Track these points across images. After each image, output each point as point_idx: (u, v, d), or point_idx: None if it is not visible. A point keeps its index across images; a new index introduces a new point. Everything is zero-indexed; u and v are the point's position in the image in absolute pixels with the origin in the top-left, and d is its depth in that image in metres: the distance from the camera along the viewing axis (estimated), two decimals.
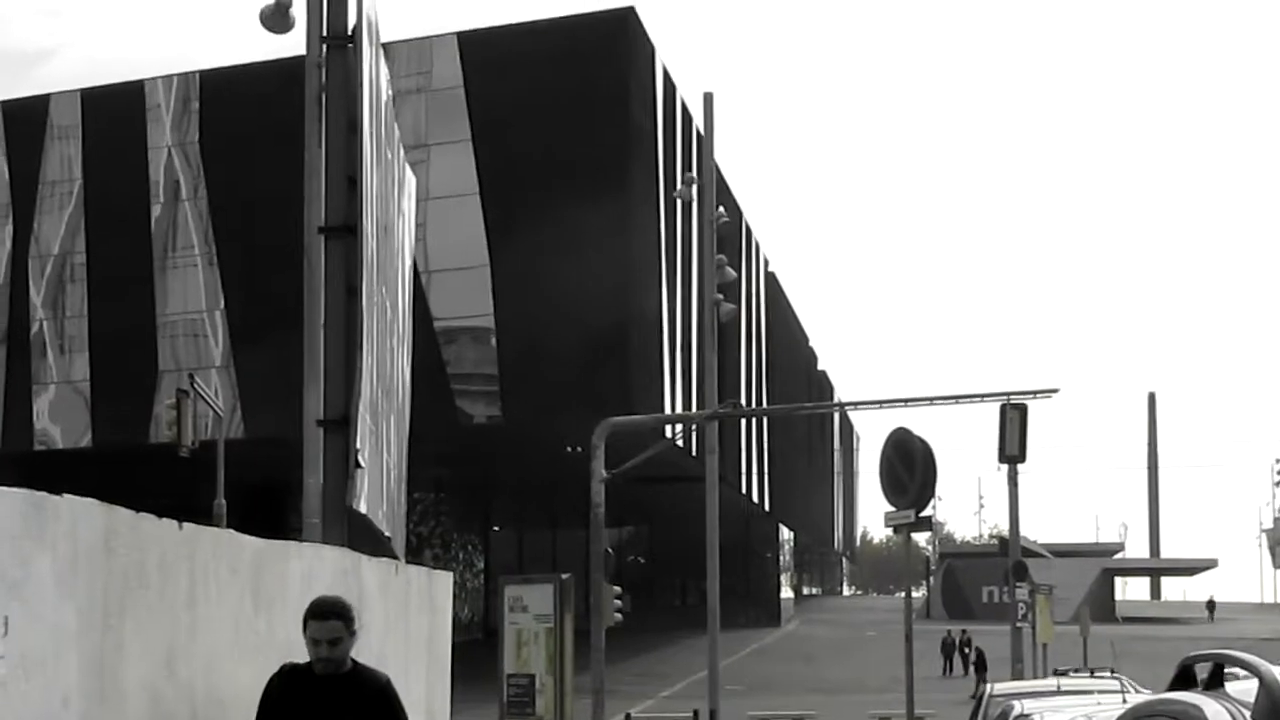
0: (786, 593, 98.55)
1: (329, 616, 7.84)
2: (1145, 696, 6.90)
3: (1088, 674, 21.49)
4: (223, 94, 61.31)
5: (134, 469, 55.86)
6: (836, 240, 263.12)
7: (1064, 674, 21.54)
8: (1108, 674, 20.06)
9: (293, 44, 23.64)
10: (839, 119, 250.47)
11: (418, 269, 44.07)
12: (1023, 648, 52.73)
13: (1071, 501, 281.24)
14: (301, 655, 8.77)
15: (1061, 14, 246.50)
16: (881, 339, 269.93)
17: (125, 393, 61.39)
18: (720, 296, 52.90)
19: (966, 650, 70.77)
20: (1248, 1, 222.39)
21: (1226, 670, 5.32)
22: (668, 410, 57.82)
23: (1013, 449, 42.49)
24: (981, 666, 65.69)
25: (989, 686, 20.06)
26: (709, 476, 47.86)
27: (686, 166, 60.24)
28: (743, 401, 72.81)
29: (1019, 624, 53.19)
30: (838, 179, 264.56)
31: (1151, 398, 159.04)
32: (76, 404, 64.42)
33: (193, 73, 64.06)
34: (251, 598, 7.81)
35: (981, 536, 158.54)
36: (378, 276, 16.36)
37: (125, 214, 62.47)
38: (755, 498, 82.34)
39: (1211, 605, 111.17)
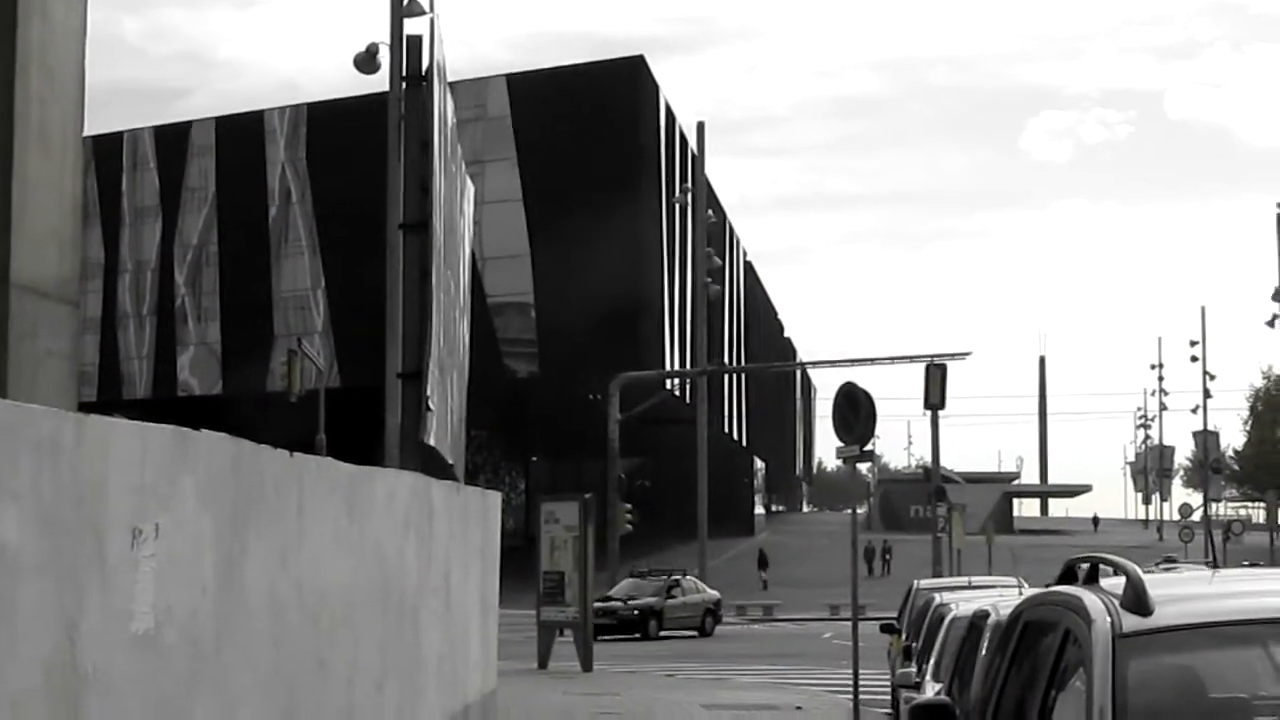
0: (759, 510, 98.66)
1: None
2: (1037, 590, 6.93)
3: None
4: (325, 121, 61.25)
5: (255, 411, 55.91)
6: (800, 235, 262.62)
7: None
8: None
9: (379, 82, 23.67)
10: (804, 138, 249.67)
11: (475, 257, 44.09)
12: (942, 553, 52.88)
13: (980, 439, 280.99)
14: (385, 556, 8.78)
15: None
16: (835, 312, 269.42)
17: (248, 352, 61.42)
18: (709, 280, 52.95)
19: (888, 556, 71.04)
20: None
21: (1101, 569, 5.33)
22: (668, 367, 57.87)
23: (935, 399, 42.64)
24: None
25: (916, 582, 20.09)
26: (700, 419, 47.99)
27: (683, 179, 60.27)
28: (727, 361, 72.81)
29: (939, 535, 53.35)
30: (802, 186, 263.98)
31: (1042, 360, 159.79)
32: (210, 361, 64.49)
33: (301, 104, 64.03)
34: (346, 511, 7.82)
35: (910, 466, 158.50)
36: (444, 263, 16.36)
37: (248, 214, 62.47)
38: (735, 436, 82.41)
39: (1096, 520, 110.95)
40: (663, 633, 39.84)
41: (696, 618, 41.45)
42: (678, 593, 41.25)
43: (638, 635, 38.96)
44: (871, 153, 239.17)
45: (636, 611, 39.87)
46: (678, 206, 59.00)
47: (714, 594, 43.31)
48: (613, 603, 39.41)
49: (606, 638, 34.94)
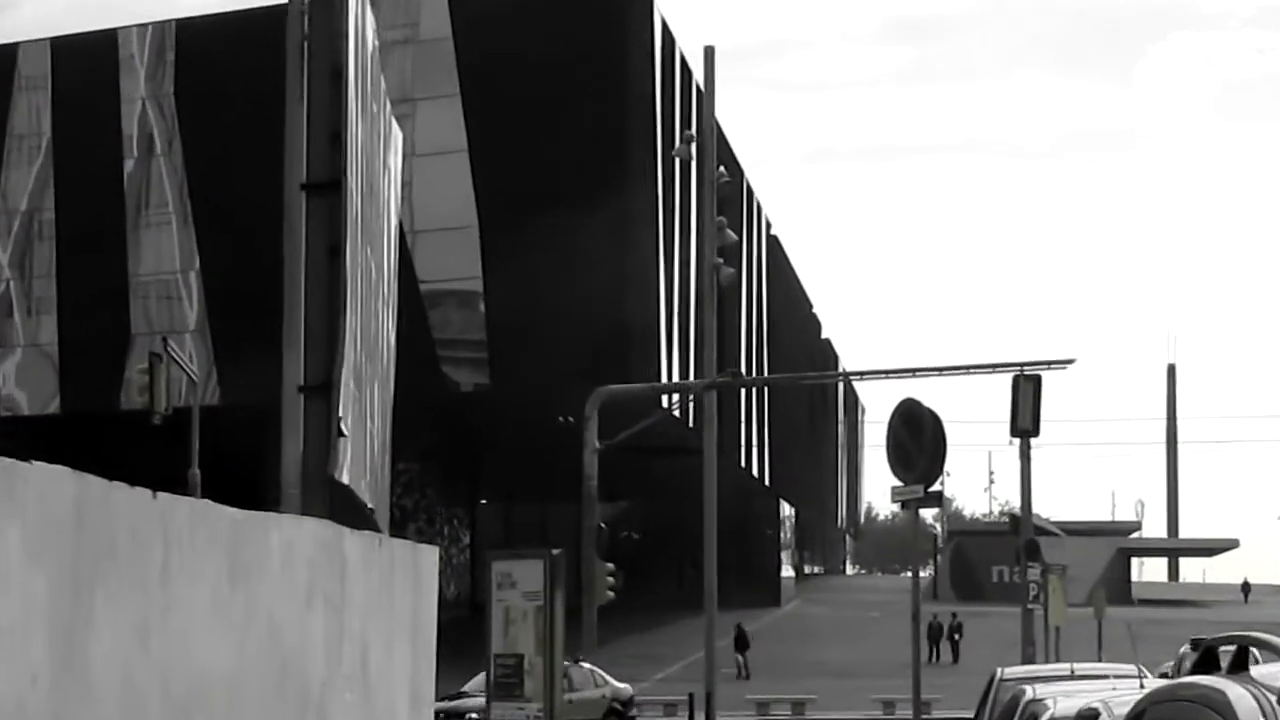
0: (787, 571, 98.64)
1: None
2: (1165, 682, 6.91)
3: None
4: (200, 44, 61.22)
5: (104, 436, 55.91)
6: (843, 202, 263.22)
7: None
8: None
9: None
10: (844, 73, 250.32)
11: (403, 229, 44.08)
12: (1034, 630, 52.84)
13: (1086, 478, 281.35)
14: (281, 632, 8.78)
15: None
16: (889, 305, 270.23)
17: (95, 357, 61.35)
18: (720, 260, 52.88)
19: (957, 637, 70.66)
20: None
21: (1252, 653, 5.32)
22: (664, 379, 57.86)
23: (1025, 422, 42.56)
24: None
25: (999, 671, 20.10)
26: (707, 449, 47.87)
27: (686, 124, 60.19)
28: (743, 371, 72.80)
29: (1030, 606, 53.29)
30: (844, 136, 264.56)
31: (1171, 370, 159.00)
32: (44, 368, 64.41)
33: (168, 21, 63.97)
34: (229, 571, 7.81)
35: (992, 514, 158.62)
36: (362, 236, 16.33)
37: (96, 169, 62.40)
38: (755, 472, 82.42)
39: (1246, 588, 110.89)
40: None
41: None
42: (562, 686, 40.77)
43: None
44: (936, 91, 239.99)
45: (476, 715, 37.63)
46: (678, 161, 58.95)
47: (623, 688, 43.24)
48: (464, 701, 38.48)
49: None
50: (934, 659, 68.16)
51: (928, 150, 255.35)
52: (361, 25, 16.59)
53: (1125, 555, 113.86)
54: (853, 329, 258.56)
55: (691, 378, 58.28)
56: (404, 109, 52.26)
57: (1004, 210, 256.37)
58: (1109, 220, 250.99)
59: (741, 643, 65.33)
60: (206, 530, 7.45)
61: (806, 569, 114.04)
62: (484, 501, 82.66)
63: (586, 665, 43.34)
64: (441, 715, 33.12)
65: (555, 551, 26.44)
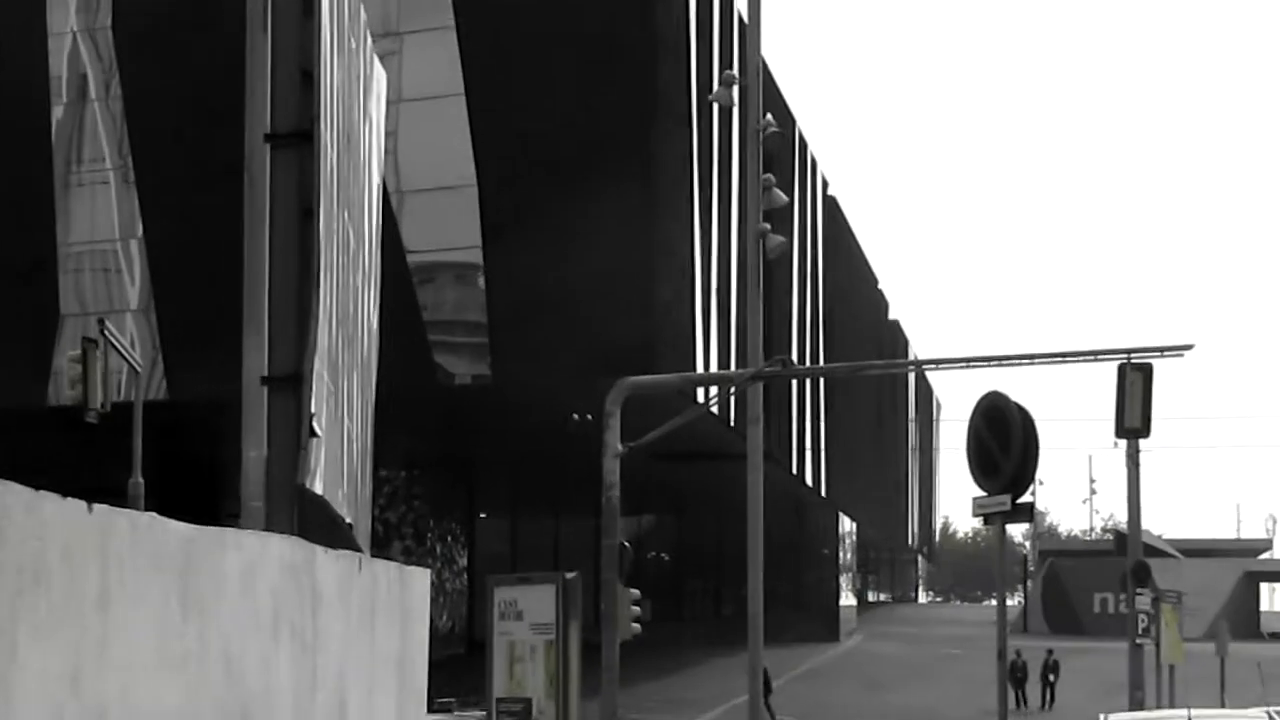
0: (848, 599, 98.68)
1: None
2: None
3: None
4: None
5: (29, 437, 56.00)
6: (912, 158, 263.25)
7: None
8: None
9: None
10: (915, 4, 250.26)
11: (387, 189, 44.07)
12: (1144, 670, 52.81)
13: (1207, 488, 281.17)
14: (240, 671, 8.78)
15: None
16: (969, 281, 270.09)
17: (17, 342, 61.45)
18: (767, 226, 52.85)
19: (1051, 678, 70.34)
20: None
21: None
22: (699, 369, 57.86)
23: (1134, 420, 42.50)
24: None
25: (1103, 718, 20.13)
26: (751, 453, 47.85)
27: (726, 63, 60.19)
28: (794, 359, 72.80)
29: (1139, 641, 53.26)
30: (915, 80, 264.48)
31: None
32: None
33: None
34: (179, 598, 7.81)
35: (1093, 530, 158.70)
36: (338, 197, 16.35)
37: (18, 118, 62.45)
38: (809, 480, 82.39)
39: None
40: None
41: None
42: None
43: None
44: (1037, 31, 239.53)
45: None
46: (716, 108, 58.96)
47: None
48: None
49: None
50: (1022, 704, 68.17)
51: (1016, 98, 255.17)
52: None
53: (1253, 580, 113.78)
54: (926, 309, 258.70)
55: (733, 368, 58.27)
56: (389, 45, 52.32)
57: (1109, 167, 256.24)
58: (1231, 187, 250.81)
59: (763, 686, 65.24)
60: (152, 549, 7.46)
61: (871, 596, 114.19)
62: (484, 515, 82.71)
63: None
64: None
65: (569, 575, 26.46)
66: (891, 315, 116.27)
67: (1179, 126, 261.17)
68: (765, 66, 47.68)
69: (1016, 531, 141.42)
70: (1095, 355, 45.16)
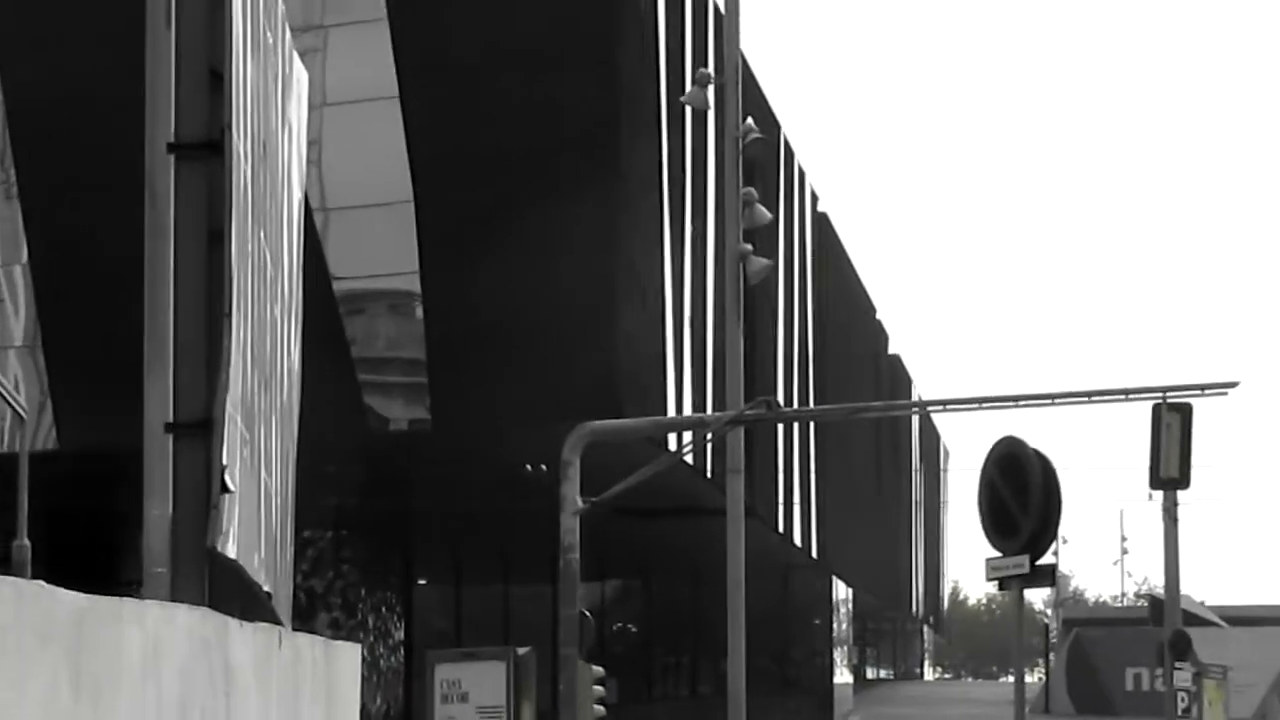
0: (843, 676, 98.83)
1: None
2: None
3: None
4: None
5: None
6: (914, 169, 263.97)
7: None
8: None
9: None
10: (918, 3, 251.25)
11: (310, 206, 44.10)
12: None
13: (1254, 547, 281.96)
14: None
15: None
16: (980, 311, 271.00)
17: None
18: (749, 248, 53.04)
19: None
20: None
21: None
22: (671, 412, 57.96)
23: (1170, 470, 42.60)
24: None
25: None
26: (731, 508, 47.98)
27: (701, 61, 60.35)
28: (780, 400, 72.93)
29: None
30: (917, 80, 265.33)
31: None
32: None
33: None
34: (69, 678, 7.82)
35: (1124, 596, 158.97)
36: (253, 216, 16.39)
37: None
38: (798, 539, 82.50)
39: None
40: None
41: None
42: None
43: None
44: (1048, 34, 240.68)
45: None
46: (690, 111, 59.13)
47: None
48: None
49: None
50: None
51: (1027, 104, 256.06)
52: None
53: None
54: (931, 342, 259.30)
55: (709, 410, 58.39)
56: (311, 40, 52.42)
57: (1142, 181, 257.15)
58: (1277, 208, 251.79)
59: None
60: (38, 622, 7.46)
61: (870, 673, 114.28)
62: (423, 582, 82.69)
63: None
64: None
65: (522, 651, 26.56)
66: (892, 349, 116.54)
67: (1220, 130, 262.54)
68: (745, 63, 47.87)
69: (1036, 598, 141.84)
70: (1126, 394, 45.30)
